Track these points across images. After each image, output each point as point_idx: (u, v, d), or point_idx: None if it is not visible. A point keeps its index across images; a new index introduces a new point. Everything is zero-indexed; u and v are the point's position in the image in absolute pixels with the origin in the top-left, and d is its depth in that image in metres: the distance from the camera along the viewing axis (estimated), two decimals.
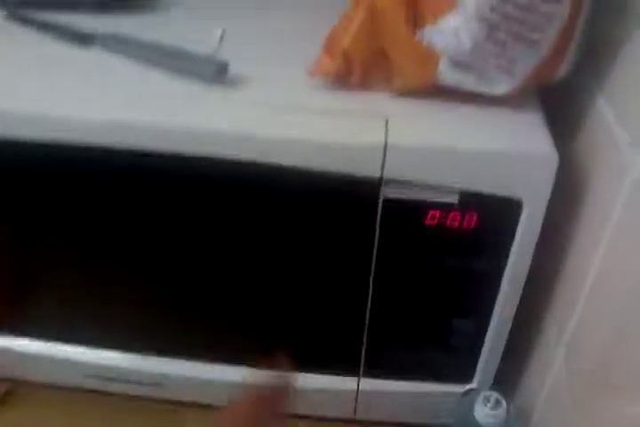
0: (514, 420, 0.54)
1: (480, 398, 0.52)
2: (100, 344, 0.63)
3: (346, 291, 0.53)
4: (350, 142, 0.45)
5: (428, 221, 0.47)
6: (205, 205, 0.50)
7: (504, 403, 0.52)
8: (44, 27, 0.56)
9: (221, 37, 0.48)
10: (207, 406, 0.64)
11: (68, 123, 0.46)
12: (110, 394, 0.66)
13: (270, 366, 0.41)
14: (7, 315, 0.62)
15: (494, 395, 0.52)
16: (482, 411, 0.52)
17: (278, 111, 0.47)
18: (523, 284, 0.51)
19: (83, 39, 0.54)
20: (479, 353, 0.56)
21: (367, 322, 0.54)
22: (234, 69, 0.49)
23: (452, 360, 0.52)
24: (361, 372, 0.59)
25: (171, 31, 0.55)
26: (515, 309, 0.53)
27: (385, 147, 0.44)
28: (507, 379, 0.61)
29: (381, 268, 0.51)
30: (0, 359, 0.65)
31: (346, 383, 0.60)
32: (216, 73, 0.49)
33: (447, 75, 0.45)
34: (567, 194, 0.49)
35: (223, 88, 0.49)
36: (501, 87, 0.44)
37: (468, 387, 0.57)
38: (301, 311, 0.56)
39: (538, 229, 0.47)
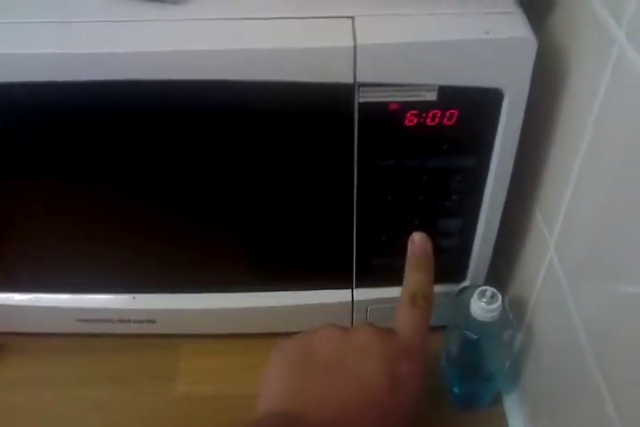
0: (509, 311, 0.55)
1: (475, 293, 0.53)
2: (88, 289, 0.62)
3: (331, 201, 0.52)
4: (317, 47, 0.42)
5: (408, 122, 0.45)
6: (181, 130, 0.48)
7: (499, 296, 0.52)
8: None
9: None
10: (200, 336, 0.65)
11: (32, 60, 0.43)
12: (103, 335, 0.65)
13: None
14: None
15: (489, 289, 0.52)
16: (478, 306, 0.52)
17: (240, 24, 0.43)
18: (509, 179, 0.50)
19: None
20: (470, 252, 0.56)
21: (355, 231, 0.54)
22: None
23: (444, 260, 0.52)
24: (354, 282, 0.59)
25: None
26: (502, 205, 0.52)
27: (355, 48, 0.41)
28: (500, 274, 0.62)
29: (364, 175, 0.49)
30: None
31: (340, 295, 0.60)
32: None
33: None
34: (549, 81, 0.47)
35: (180, 7, 0.45)
36: None
37: (462, 285, 0.58)
38: (289, 229, 0.55)
39: (520, 119, 0.45)
